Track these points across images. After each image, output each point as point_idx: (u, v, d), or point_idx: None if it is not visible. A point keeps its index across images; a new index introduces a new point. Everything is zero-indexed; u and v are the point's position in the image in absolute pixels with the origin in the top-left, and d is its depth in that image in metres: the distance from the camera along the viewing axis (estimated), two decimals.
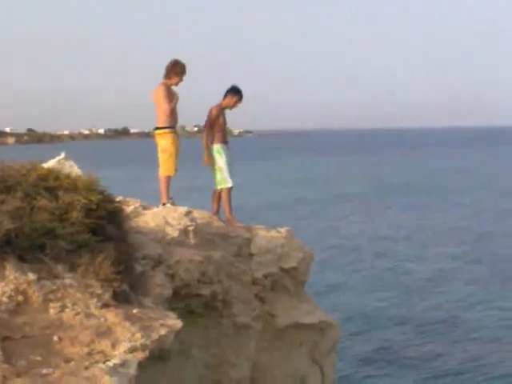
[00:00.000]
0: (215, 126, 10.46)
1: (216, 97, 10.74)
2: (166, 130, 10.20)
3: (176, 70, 10.20)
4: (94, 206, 6.39)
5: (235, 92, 10.58)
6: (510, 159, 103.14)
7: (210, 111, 10.49)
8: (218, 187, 10.54)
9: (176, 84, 10.28)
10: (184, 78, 10.31)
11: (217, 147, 10.48)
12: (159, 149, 10.29)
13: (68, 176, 6.84)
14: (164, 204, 9.95)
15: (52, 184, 6.51)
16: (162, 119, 10.18)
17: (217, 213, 10.49)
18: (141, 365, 5.04)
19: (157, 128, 10.28)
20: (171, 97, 10.19)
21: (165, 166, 10.24)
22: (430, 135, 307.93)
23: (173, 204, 9.86)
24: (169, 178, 10.26)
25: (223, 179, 10.47)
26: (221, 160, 10.46)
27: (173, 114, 10.22)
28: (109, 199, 6.89)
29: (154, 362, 5.87)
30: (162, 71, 10.26)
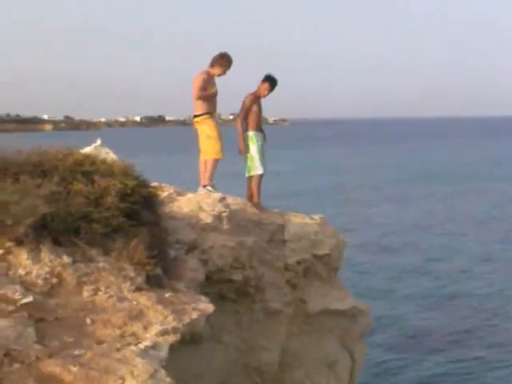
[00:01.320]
0: (250, 114, 10.51)
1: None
2: (204, 116, 10.26)
3: (222, 61, 10.25)
4: (129, 191, 6.45)
5: (266, 80, 10.63)
6: None
7: (245, 99, 10.56)
8: (247, 174, 10.62)
9: (219, 75, 10.32)
10: (228, 72, 10.37)
11: (251, 135, 10.53)
12: (203, 135, 10.34)
13: (104, 161, 6.90)
14: (205, 186, 10.04)
15: (88, 169, 6.58)
16: (198, 106, 10.25)
17: (251, 199, 10.53)
18: (172, 348, 5.07)
19: (195, 116, 10.37)
20: (209, 86, 10.20)
21: (213, 150, 10.29)
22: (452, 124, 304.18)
23: (212, 189, 9.94)
24: (217, 162, 10.34)
25: (254, 166, 10.53)
26: (253, 148, 10.51)
27: (210, 101, 10.26)
28: (144, 184, 6.95)
29: (185, 345, 5.92)
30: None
